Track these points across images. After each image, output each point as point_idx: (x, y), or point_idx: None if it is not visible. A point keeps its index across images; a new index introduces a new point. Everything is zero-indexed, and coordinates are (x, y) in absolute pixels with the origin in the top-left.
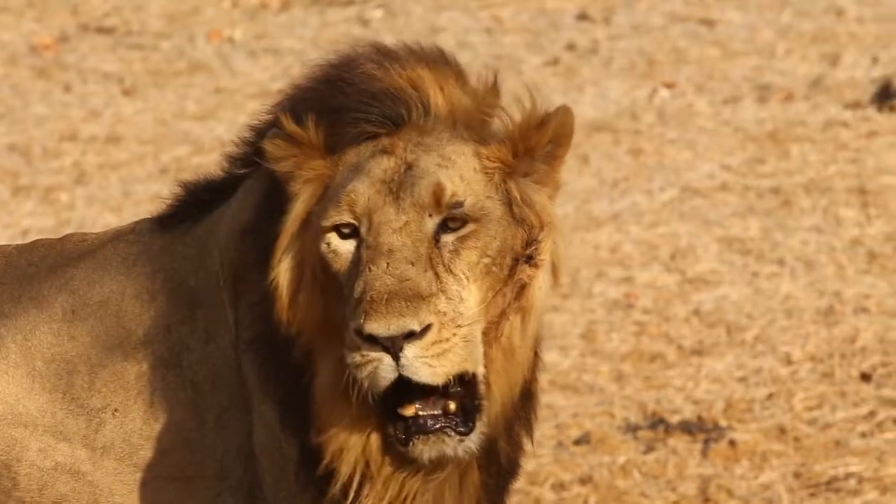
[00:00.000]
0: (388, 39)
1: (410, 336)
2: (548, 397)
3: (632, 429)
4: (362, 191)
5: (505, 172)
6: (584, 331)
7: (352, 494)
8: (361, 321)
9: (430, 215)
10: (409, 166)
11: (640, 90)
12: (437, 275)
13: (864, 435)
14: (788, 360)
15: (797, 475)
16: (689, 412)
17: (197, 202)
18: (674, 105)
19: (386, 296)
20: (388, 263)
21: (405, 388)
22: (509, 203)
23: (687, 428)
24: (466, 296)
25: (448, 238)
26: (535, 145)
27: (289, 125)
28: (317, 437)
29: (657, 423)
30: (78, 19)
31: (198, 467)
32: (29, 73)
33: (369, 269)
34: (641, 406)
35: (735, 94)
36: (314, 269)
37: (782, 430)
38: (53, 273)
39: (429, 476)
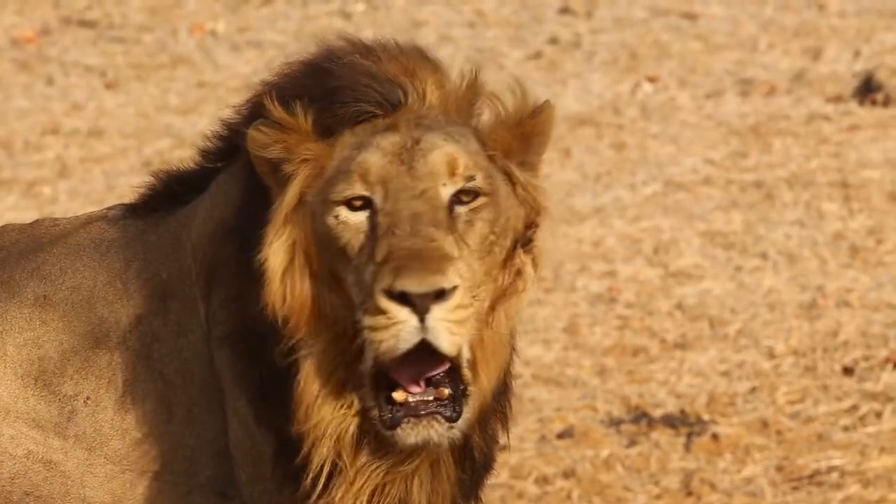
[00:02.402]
0: (370, 33)
1: (440, 295)
2: (531, 391)
3: (615, 423)
4: (374, 161)
5: (504, 156)
6: (566, 324)
7: (320, 485)
8: (392, 280)
9: (445, 185)
10: (417, 141)
11: (622, 84)
12: (455, 241)
13: (846, 429)
14: (771, 354)
15: (780, 469)
16: (671, 406)
17: (170, 193)
18: (656, 99)
19: (417, 254)
20: (411, 227)
21: (398, 372)
22: (513, 184)
23: (670, 422)
24: (477, 269)
25: (461, 209)
26: (530, 132)
27: (277, 111)
28: (298, 427)
29: (640, 416)
30: (60, 12)
31: (166, 462)
32: (11, 67)
33: (393, 232)
34: (624, 400)
35: (718, 88)
36: (307, 250)
37: (765, 424)
38: (25, 258)
39: (400, 467)
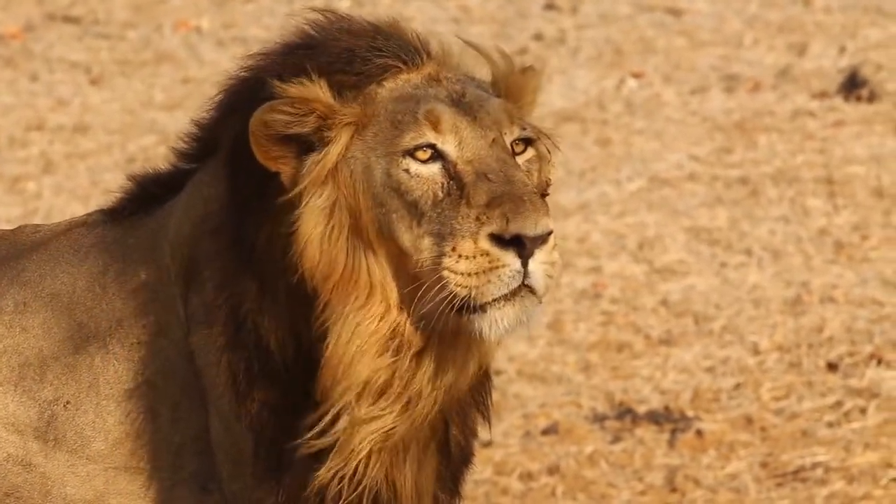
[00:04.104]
0: None
1: (547, 237)
2: (515, 387)
3: (599, 419)
4: (443, 109)
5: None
6: (551, 320)
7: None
8: (505, 224)
9: (506, 133)
10: (462, 94)
11: (607, 80)
12: None
13: (830, 425)
14: (756, 350)
15: (764, 465)
16: (656, 402)
17: (147, 195)
18: (641, 95)
19: (521, 198)
20: (503, 173)
21: None
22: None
23: (654, 418)
24: None
25: (519, 159)
26: (524, 86)
27: (293, 87)
28: (325, 389)
29: (624, 413)
30: (44, 8)
31: (151, 459)
32: None
33: (487, 177)
34: (609, 396)
35: (703, 84)
36: (352, 209)
37: (749, 420)
38: (6, 264)
39: (412, 415)
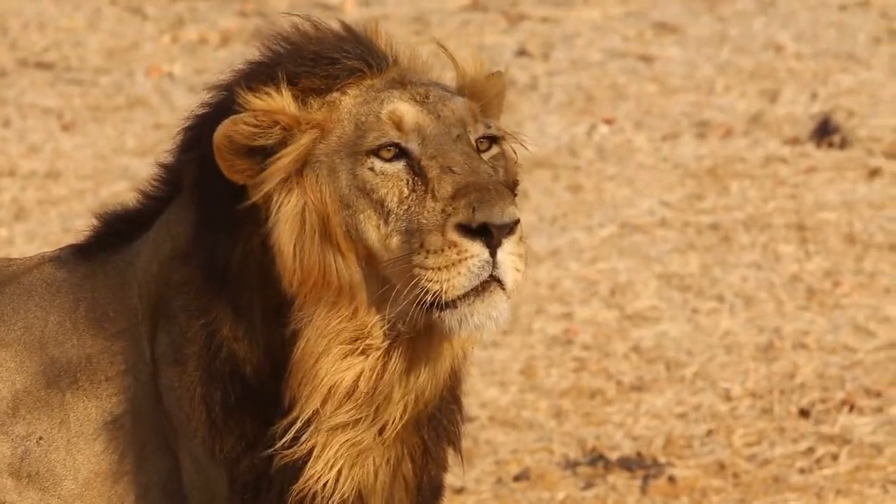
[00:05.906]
0: None
1: (514, 227)
2: (487, 433)
3: (571, 465)
4: (406, 109)
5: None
6: (523, 366)
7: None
8: (471, 213)
9: (470, 131)
10: (426, 95)
11: (578, 126)
12: None
13: (802, 471)
14: (728, 397)
15: None
16: (628, 448)
17: (116, 232)
18: (613, 141)
19: (487, 188)
20: (468, 166)
21: None
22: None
23: (626, 464)
24: None
25: (484, 157)
26: (490, 88)
27: (256, 101)
28: (293, 389)
29: (596, 459)
30: (16, 54)
31: (120, 501)
32: None
33: (451, 170)
34: (581, 442)
35: (674, 131)
36: (321, 211)
37: (721, 466)
38: None
39: (377, 424)
